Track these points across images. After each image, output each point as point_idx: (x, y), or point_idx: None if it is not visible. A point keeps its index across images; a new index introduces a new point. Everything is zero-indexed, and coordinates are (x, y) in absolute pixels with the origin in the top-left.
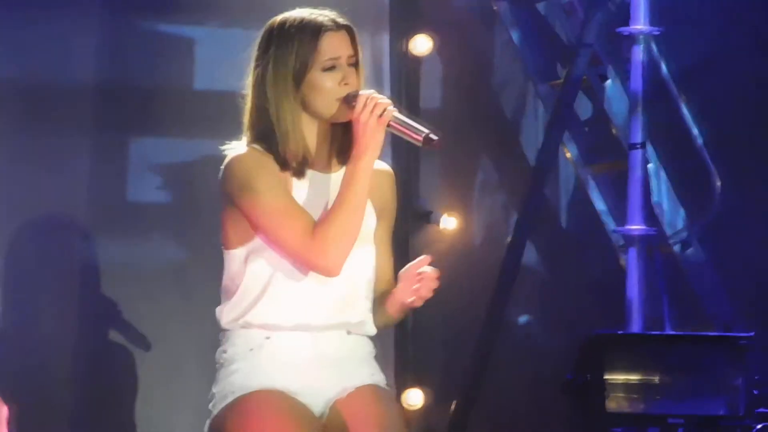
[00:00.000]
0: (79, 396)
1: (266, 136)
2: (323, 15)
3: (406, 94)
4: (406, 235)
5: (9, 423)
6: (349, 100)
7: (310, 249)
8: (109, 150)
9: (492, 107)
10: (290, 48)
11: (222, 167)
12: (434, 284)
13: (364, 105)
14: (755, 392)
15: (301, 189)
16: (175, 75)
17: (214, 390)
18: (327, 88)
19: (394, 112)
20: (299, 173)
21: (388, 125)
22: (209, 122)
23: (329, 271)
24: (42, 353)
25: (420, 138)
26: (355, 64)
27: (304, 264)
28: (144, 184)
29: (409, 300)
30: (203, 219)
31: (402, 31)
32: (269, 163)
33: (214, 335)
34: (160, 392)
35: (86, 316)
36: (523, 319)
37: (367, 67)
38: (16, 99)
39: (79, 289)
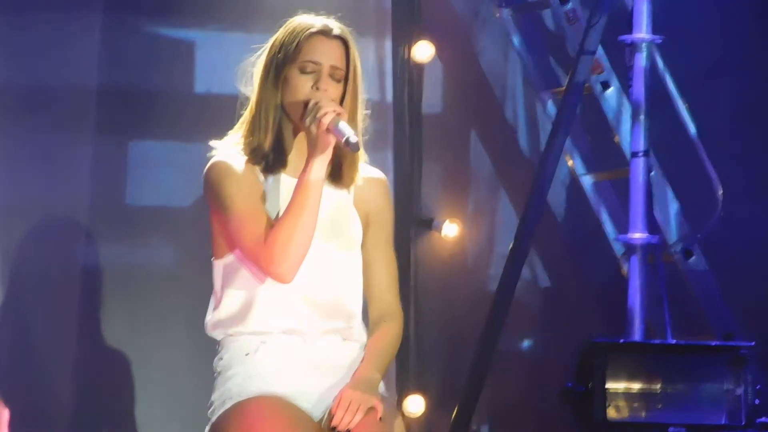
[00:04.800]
0: (78, 399)
1: (249, 128)
2: (322, 20)
3: (408, 101)
4: (407, 242)
5: (9, 425)
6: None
7: (261, 255)
8: (109, 153)
9: (494, 114)
10: (281, 42)
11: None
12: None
13: (309, 111)
14: (756, 401)
15: (274, 191)
16: (176, 78)
17: (212, 398)
18: (297, 88)
19: (333, 118)
20: (270, 169)
21: (328, 130)
22: (210, 125)
23: (280, 278)
24: (41, 356)
25: (342, 140)
26: (343, 79)
27: (260, 270)
28: (144, 187)
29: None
30: (203, 223)
31: (404, 38)
32: (241, 169)
33: (212, 338)
34: (158, 396)
35: (86, 319)
36: (523, 326)
37: (370, 74)
38: (17, 101)
39: (79, 291)
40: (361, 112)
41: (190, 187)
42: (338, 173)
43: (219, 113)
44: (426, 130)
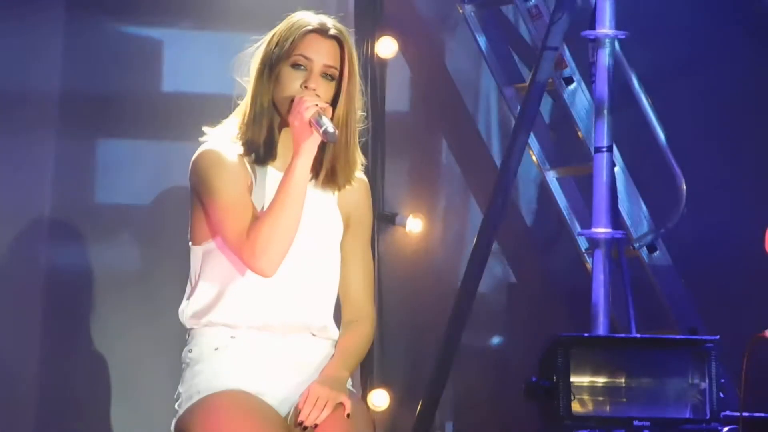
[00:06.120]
0: (43, 399)
1: (244, 119)
2: (320, 19)
3: (371, 97)
4: (372, 238)
5: None
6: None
7: (244, 249)
8: (75, 152)
9: (457, 110)
10: (278, 38)
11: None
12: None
13: (294, 106)
14: (721, 395)
15: (260, 183)
16: (143, 77)
17: (180, 389)
18: (286, 84)
19: (315, 111)
20: (259, 161)
21: (310, 124)
22: (177, 124)
23: (261, 272)
24: (5, 357)
25: (320, 131)
26: (336, 78)
27: (243, 263)
28: (110, 186)
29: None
30: (169, 222)
31: (367, 34)
32: (231, 159)
33: (179, 337)
34: (124, 395)
35: (50, 319)
36: (488, 321)
37: None
38: None
39: (44, 291)
40: (357, 112)
41: (157, 187)
42: (333, 173)
43: (187, 112)
44: (390, 126)
